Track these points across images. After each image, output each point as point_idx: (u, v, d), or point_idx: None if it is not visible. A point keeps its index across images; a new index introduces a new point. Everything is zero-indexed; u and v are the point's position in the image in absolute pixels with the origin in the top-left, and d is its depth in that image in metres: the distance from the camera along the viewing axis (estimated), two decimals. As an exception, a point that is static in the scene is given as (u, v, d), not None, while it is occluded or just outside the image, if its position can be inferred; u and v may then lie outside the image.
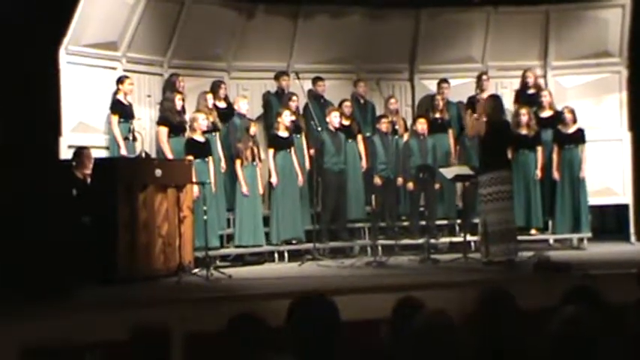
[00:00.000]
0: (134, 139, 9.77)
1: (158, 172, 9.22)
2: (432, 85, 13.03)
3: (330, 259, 11.01)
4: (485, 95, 12.41)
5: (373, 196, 11.41)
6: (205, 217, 9.61)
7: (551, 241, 12.28)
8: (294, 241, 11.28)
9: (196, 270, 9.43)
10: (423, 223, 11.83)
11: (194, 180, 10.14)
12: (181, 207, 9.48)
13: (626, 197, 12.66)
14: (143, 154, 9.53)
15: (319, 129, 11.34)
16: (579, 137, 11.93)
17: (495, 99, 10.34)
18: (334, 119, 11.53)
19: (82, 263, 8.51)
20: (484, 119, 9.78)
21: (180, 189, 9.49)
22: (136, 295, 8.15)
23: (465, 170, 10.54)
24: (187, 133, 10.60)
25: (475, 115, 10.43)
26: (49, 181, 8.18)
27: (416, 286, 7.71)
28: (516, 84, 12.85)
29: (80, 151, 9.61)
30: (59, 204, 8.08)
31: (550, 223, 12.15)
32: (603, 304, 3.94)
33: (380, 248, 11.36)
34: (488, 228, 9.72)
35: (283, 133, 11.28)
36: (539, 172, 11.91)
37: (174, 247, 9.33)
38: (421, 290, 7.41)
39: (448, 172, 10.79)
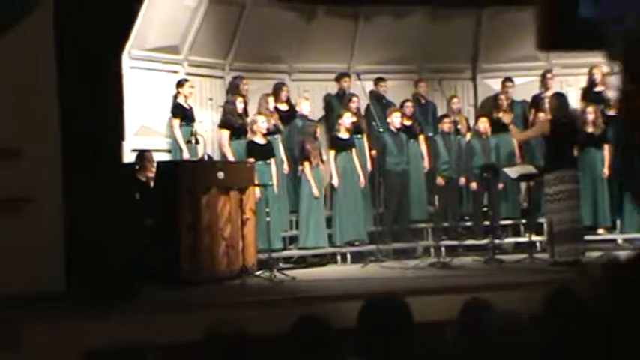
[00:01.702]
0: (196, 142, 9.81)
1: (220, 175, 9.24)
2: (494, 85, 12.90)
3: (393, 261, 10.92)
4: (549, 94, 12.27)
5: (436, 197, 11.34)
6: (268, 219, 9.59)
7: (619, 241, 12.00)
8: (356, 243, 11.22)
9: (259, 272, 9.40)
10: (487, 223, 11.67)
11: (256, 182, 10.14)
12: (244, 209, 9.47)
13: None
14: (206, 157, 9.56)
15: (380, 130, 11.27)
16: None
17: (558, 97, 10.18)
18: (395, 120, 11.46)
19: (146, 266, 8.56)
20: (548, 118, 9.63)
21: (242, 191, 9.47)
22: (200, 298, 8.18)
23: (529, 169, 10.40)
24: (248, 136, 10.60)
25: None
26: (113, 185, 8.23)
27: (481, 287, 7.62)
28: (581, 82, 12.64)
29: (142, 155, 9.69)
30: (123, 207, 8.13)
31: (618, 222, 11.89)
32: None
33: (443, 249, 11.27)
34: (554, 228, 9.56)
35: (344, 135, 11.24)
36: (606, 171, 11.68)
37: (237, 250, 9.33)
38: (487, 291, 7.34)
39: (512, 172, 10.65)
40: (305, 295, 8.11)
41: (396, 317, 3.31)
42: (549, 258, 9.73)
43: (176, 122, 10.69)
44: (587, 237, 11.51)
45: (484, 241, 11.19)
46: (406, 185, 11.60)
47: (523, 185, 11.63)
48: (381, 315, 3.33)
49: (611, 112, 11.97)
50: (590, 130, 11.68)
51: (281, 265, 10.87)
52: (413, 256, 11.42)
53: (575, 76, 12.89)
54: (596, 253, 10.71)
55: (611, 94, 12.00)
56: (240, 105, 10.87)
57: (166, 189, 8.92)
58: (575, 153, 11.44)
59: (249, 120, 10.72)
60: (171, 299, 8.15)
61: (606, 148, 11.74)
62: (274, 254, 10.47)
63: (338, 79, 12.18)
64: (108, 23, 9.20)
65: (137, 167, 9.53)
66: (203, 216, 9.06)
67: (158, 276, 8.79)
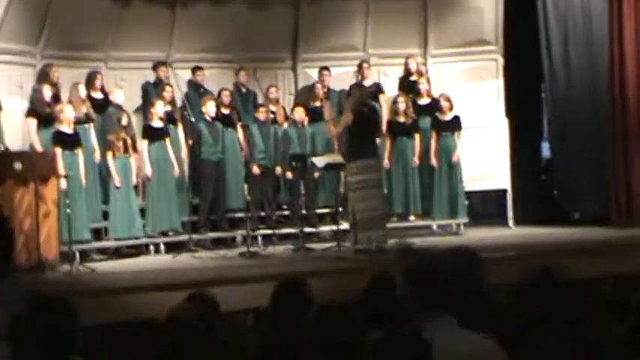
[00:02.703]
0: (-10, 132, 9.54)
1: (17, 166, 9.03)
2: (315, 74, 13.04)
3: (208, 251, 10.96)
4: (366, 83, 12.54)
5: (249, 186, 11.44)
6: (68, 211, 9.44)
7: (434, 227, 12.39)
8: (170, 233, 11.18)
9: (58, 265, 9.25)
10: (304, 212, 11.83)
11: (61, 173, 9.96)
12: (45, 201, 9.29)
13: (504, 182, 12.86)
14: (1, 147, 9.29)
15: (192, 119, 11.26)
16: (456, 124, 12.09)
17: (358, 88, 10.42)
18: (210, 109, 11.48)
19: None
20: (348, 112, 9.84)
21: (43, 182, 9.28)
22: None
23: (336, 158, 10.59)
24: (55, 125, 10.39)
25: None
26: None
27: (270, 276, 7.70)
28: (399, 72, 12.97)
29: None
30: None
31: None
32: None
33: (260, 238, 11.38)
34: (357, 215, 9.78)
35: (157, 124, 11.18)
36: (416, 159, 12.03)
37: (38, 242, 9.13)
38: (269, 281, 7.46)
39: (319, 161, 10.84)
40: (87, 288, 8.03)
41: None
42: (352, 245, 9.95)
43: (-19, 111, 10.37)
44: (401, 224, 11.93)
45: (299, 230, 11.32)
46: (222, 174, 11.62)
47: (342, 173, 11.84)
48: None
49: (423, 102, 12.35)
50: (401, 119, 12.01)
51: (95, 256, 10.78)
52: (232, 245, 11.48)
53: (391, 67, 13.18)
54: (412, 240, 11.06)
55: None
56: (47, 93, 10.64)
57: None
58: (385, 142, 11.82)
59: (56, 109, 10.48)
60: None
61: (417, 137, 12.08)
62: (83, 246, 10.37)
63: (154, 68, 12.07)
64: None
65: None
66: (-3, 208, 8.82)
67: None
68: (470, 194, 12.73)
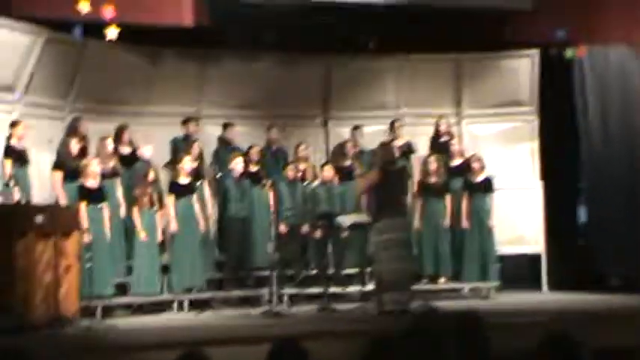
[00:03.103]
0: (14, 184, 9.47)
1: (39, 219, 8.92)
2: (346, 132, 12.92)
3: (232, 308, 10.77)
4: (398, 142, 12.39)
5: (275, 244, 11.26)
6: (88, 265, 9.33)
7: (465, 290, 12.09)
8: (195, 290, 11.01)
9: (77, 321, 9.10)
10: (331, 271, 11.63)
11: (85, 227, 9.89)
12: (66, 255, 9.17)
13: (538, 246, 12.56)
14: (23, 201, 9.22)
15: (217, 176, 11.18)
16: (487, 186, 11.86)
17: (386, 146, 10.26)
18: (237, 165, 11.37)
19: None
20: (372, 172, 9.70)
21: (65, 236, 9.18)
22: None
23: (363, 218, 10.38)
24: (80, 179, 10.33)
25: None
26: None
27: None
28: (431, 131, 12.80)
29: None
30: None
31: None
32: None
33: (286, 297, 11.17)
34: (383, 276, 9.55)
35: (184, 180, 11.08)
36: (447, 221, 11.78)
37: (58, 297, 9.00)
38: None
39: (345, 220, 10.65)
40: (103, 345, 7.88)
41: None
42: (376, 307, 9.70)
43: (8, 164, 10.34)
44: (429, 287, 11.65)
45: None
46: (249, 232, 11.46)
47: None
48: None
49: (454, 163, 12.15)
50: (432, 180, 11.80)
51: (118, 312, 10.65)
52: (258, 304, 11.24)
53: (424, 126, 13.02)
54: (441, 303, 10.79)
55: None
56: (75, 146, 10.61)
57: (-24, 233, 8.57)
58: (416, 203, 11.62)
59: (83, 163, 10.44)
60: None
61: (448, 198, 11.85)
62: (106, 302, 10.23)
63: (184, 123, 12.04)
64: None
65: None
66: (17, 262, 8.70)
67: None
68: (503, 257, 12.44)
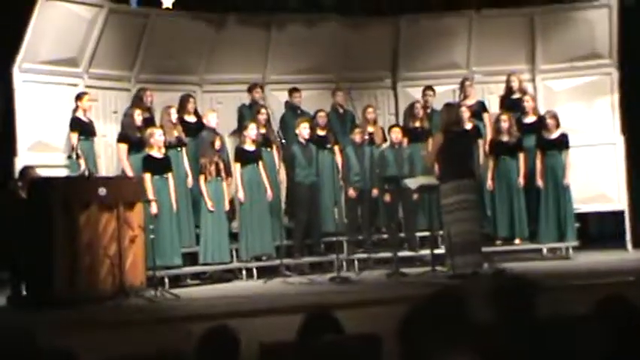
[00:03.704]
0: (77, 157, 9.51)
1: (102, 191, 8.95)
2: (416, 93, 12.63)
3: (300, 275, 10.68)
4: (469, 102, 12.07)
5: (344, 209, 11.14)
6: (152, 236, 9.31)
7: (544, 251, 11.71)
8: (263, 257, 10.94)
9: (144, 291, 9.12)
10: (403, 235, 11.42)
11: (151, 197, 9.89)
12: (131, 226, 9.20)
13: (621, 203, 12.10)
14: (86, 173, 9.25)
15: (283, 141, 11.04)
16: (562, 143, 11.42)
17: (449, 108, 9.95)
18: (303, 131, 11.21)
19: (15, 286, 8.35)
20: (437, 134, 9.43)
21: (129, 207, 9.20)
22: (54, 319, 7.86)
23: (430, 180, 10.10)
24: (146, 150, 10.32)
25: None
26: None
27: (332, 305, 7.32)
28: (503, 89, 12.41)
29: (25, 171, 9.39)
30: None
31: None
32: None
33: (356, 262, 11.03)
34: (452, 239, 9.31)
35: (249, 147, 10.98)
36: (521, 180, 11.42)
37: (124, 268, 9.04)
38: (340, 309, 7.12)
39: (412, 183, 10.39)
40: (167, 315, 7.86)
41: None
42: (447, 270, 9.47)
43: (74, 136, 10.40)
44: (505, 247, 11.34)
45: (400, 254, 10.85)
46: (317, 197, 11.32)
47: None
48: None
49: (528, 120, 11.76)
50: (504, 138, 11.45)
51: (189, 281, 10.68)
52: (329, 270, 11.12)
53: (496, 84, 12.63)
54: (516, 264, 10.52)
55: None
56: (138, 118, 10.61)
57: (39, 206, 8.63)
58: (488, 162, 11.30)
59: (146, 133, 10.41)
60: (25, 322, 7.84)
61: (521, 156, 11.47)
62: (174, 271, 10.25)
63: (250, 90, 11.93)
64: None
65: (20, 183, 9.23)
66: (82, 234, 8.77)
67: (34, 297, 8.54)
68: (583, 216, 12.06)
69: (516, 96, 12.03)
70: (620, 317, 3.72)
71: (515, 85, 12.09)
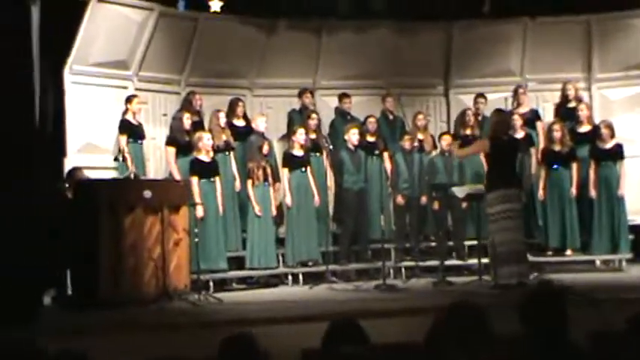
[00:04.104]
0: (123, 159, 9.54)
1: (147, 194, 8.97)
2: (468, 101, 12.47)
3: (346, 282, 10.59)
4: (522, 110, 11.89)
5: (392, 216, 11.05)
6: (196, 240, 9.30)
7: (597, 263, 11.46)
8: (309, 263, 10.88)
9: (188, 294, 9.12)
10: (451, 243, 11.28)
11: (198, 201, 9.90)
12: (176, 229, 9.21)
13: (676, 216, 11.79)
14: (132, 175, 9.29)
15: (331, 147, 10.98)
16: (617, 153, 11.16)
17: (498, 114, 9.78)
18: (352, 137, 11.12)
19: (62, 287, 8.41)
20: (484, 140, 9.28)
21: (174, 211, 9.21)
22: (99, 321, 7.90)
23: (478, 189, 9.94)
24: (194, 153, 10.33)
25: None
26: (31, 204, 7.97)
27: (383, 312, 7.25)
28: (558, 97, 12.19)
29: (73, 172, 9.47)
30: (36, 227, 7.86)
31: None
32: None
33: (403, 270, 10.92)
34: (496, 249, 9.14)
35: (298, 152, 10.93)
36: (574, 190, 11.18)
37: (168, 271, 9.05)
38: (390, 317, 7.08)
39: (459, 191, 10.24)
40: (209, 319, 7.83)
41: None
42: (491, 280, 9.31)
43: (123, 139, 10.47)
44: (557, 258, 11.13)
45: (446, 262, 10.71)
46: (365, 204, 11.22)
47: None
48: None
49: (582, 130, 11.52)
50: (557, 147, 11.23)
51: (235, 285, 10.67)
52: (375, 277, 11.00)
53: (551, 92, 12.43)
54: (567, 275, 10.32)
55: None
56: (187, 121, 10.63)
57: (85, 207, 8.68)
58: (540, 171, 11.11)
59: (195, 137, 10.43)
60: (69, 322, 7.90)
61: (574, 166, 11.24)
62: (219, 275, 10.25)
63: (300, 95, 11.90)
64: (47, 37, 9.06)
65: (67, 185, 9.31)
66: (127, 236, 8.80)
67: (78, 298, 8.60)
68: (638, 228, 11.75)
69: (572, 105, 11.80)
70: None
71: (571, 93, 11.86)
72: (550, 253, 11.20)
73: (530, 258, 10.40)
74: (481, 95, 12.23)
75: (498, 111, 10.07)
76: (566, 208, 11.19)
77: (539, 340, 3.48)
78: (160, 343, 7.20)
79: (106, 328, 7.58)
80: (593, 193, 11.15)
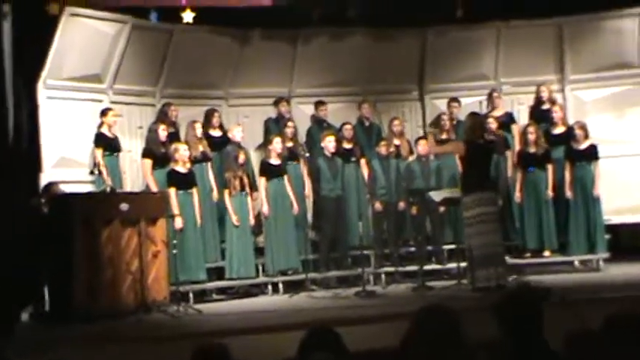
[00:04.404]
0: (99, 172, 9.53)
1: (124, 207, 8.96)
2: (443, 105, 12.51)
3: (325, 290, 10.60)
4: (496, 113, 11.95)
5: (371, 222, 11.08)
6: (175, 251, 9.29)
7: (576, 263, 11.51)
8: (289, 272, 10.88)
9: (167, 306, 9.10)
10: (430, 248, 11.31)
11: (176, 212, 9.88)
12: (154, 241, 9.20)
13: (652, 215, 11.88)
14: (108, 188, 9.28)
15: (307, 155, 11.00)
16: (591, 154, 11.23)
17: (473, 117, 9.83)
18: (329, 144, 11.15)
19: (38, 302, 8.38)
20: (458, 142, 9.33)
21: (151, 223, 9.20)
22: (75, 334, 7.88)
23: (455, 193, 9.98)
24: (170, 165, 10.32)
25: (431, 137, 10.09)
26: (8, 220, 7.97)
27: (362, 319, 7.27)
28: (532, 100, 12.26)
29: (49, 187, 9.44)
30: (12, 243, 7.85)
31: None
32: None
33: (383, 276, 10.94)
34: (473, 252, 9.19)
35: (274, 161, 10.94)
36: (550, 192, 11.24)
37: (146, 284, 9.03)
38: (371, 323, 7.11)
39: (436, 195, 10.29)
40: (188, 330, 7.82)
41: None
42: (468, 284, 9.35)
43: (99, 152, 10.45)
44: (535, 260, 11.19)
45: (426, 267, 10.74)
46: (342, 211, 11.23)
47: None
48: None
49: (557, 131, 11.60)
50: (532, 150, 11.30)
51: (215, 296, 10.65)
52: (356, 283, 11.00)
53: (525, 95, 12.49)
54: (546, 277, 10.37)
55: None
56: (162, 133, 10.62)
57: (60, 222, 8.66)
58: (516, 174, 11.17)
59: (171, 148, 10.42)
60: (44, 336, 7.87)
61: (550, 167, 11.31)
62: (199, 286, 10.23)
63: (276, 104, 11.91)
64: (19, 52, 9.05)
65: (43, 200, 9.28)
66: (104, 249, 8.78)
67: (55, 312, 8.57)
68: (616, 227, 11.83)
69: (546, 106, 11.88)
70: (628, 333, 3.62)
71: (545, 95, 11.94)
72: (528, 255, 11.25)
73: (509, 260, 10.49)
74: (454, 99, 12.29)
75: (473, 114, 10.11)
76: (542, 209, 11.25)
77: (515, 341, 3.51)
78: (139, 355, 7.19)
79: (83, 340, 7.56)
80: (569, 193, 11.22)
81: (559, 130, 11.62)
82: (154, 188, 10.33)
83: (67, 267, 8.52)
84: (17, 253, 7.73)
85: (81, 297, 8.51)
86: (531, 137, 11.25)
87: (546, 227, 11.23)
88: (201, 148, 10.84)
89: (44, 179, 10.06)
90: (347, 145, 11.51)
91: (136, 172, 11.13)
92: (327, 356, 3.23)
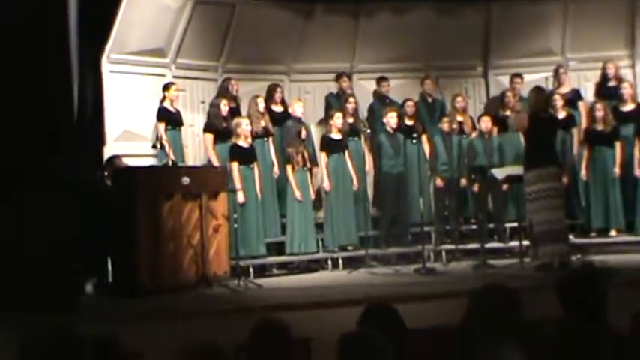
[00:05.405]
0: (161, 147, 9.58)
1: (185, 181, 8.99)
2: (507, 81, 12.32)
3: (385, 266, 10.52)
4: (563, 90, 11.73)
5: (432, 199, 10.95)
6: (235, 226, 9.31)
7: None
8: (349, 247, 10.84)
9: (227, 280, 9.14)
10: (492, 226, 11.17)
11: (238, 187, 9.90)
12: (215, 215, 9.23)
13: None
14: (170, 162, 9.32)
15: (368, 131, 10.91)
16: (662, 131, 10.96)
17: (538, 91, 9.62)
18: (391, 120, 11.05)
19: (101, 275, 8.48)
20: (524, 113, 9.13)
21: (212, 197, 9.23)
22: (138, 308, 7.95)
23: (518, 170, 9.80)
24: (232, 139, 10.33)
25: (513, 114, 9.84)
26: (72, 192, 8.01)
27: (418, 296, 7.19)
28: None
29: (112, 160, 9.52)
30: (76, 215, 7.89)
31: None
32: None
33: (444, 253, 10.84)
34: (535, 228, 9.03)
35: (335, 136, 10.88)
36: (617, 170, 11.00)
37: (207, 257, 9.07)
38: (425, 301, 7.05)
39: (499, 173, 10.12)
40: (248, 304, 7.84)
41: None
42: (532, 261, 9.20)
43: (161, 126, 10.51)
44: (601, 240, 10.97)
45: (488, 245, 10.58)
46: (404, 187, 11.14)
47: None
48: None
49: (626, 108, 11.33)
50: (599, 127, 11.05)
51: (275, 271, 10.67)
52: (416, 260, 10.92)
53: (593, 71, 12.22)
54: (611, 257, 10.16)
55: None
56: (224, 108, 10.62)
57: (123, 195, 8.73)
58: (583, 151, 10.96)
59: (233, 123, 10.42)
60: (108, 310, 7.95)
61: (618, 145, 11.05)
62: (259, 260, 10.25)
63: (337, 79, 11.85)
64: (84, 26, 9.10)
65: (106, 173, 9.36)
66: (165, 223, 8.82)
67: (118, 285, 8.66)
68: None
69: (612, 83, 11.61)
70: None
71: (611, 72, 11.67)
72: (593, 234, 11.03)
73: (574, 240, 10.29)
74: (517, 75, 12.08)
75: (537, 88, 9.88)
76: (609, 188, 11.01)
77: (578, 322, 3.42)
78: (199, 329, 7.20)
79: (145, 314, 7.61)
80: (637, 172, 10.96)
81: (628, 107, 11.35)
82: (216, 163, 10.36)
83: (130, 240, 8.58)
84: (81, 225, 7.76)
85: (143, 270, 8.56)
86: (599, 114, 11.01)
87: (613, 206, 11.00)
88: (263, 124, 10.81)
89: (107, 152, 10.13)
90: (409, 122, 11.40)
91: (197, 147, 11.18)
92: (376, 333, 3.17)
